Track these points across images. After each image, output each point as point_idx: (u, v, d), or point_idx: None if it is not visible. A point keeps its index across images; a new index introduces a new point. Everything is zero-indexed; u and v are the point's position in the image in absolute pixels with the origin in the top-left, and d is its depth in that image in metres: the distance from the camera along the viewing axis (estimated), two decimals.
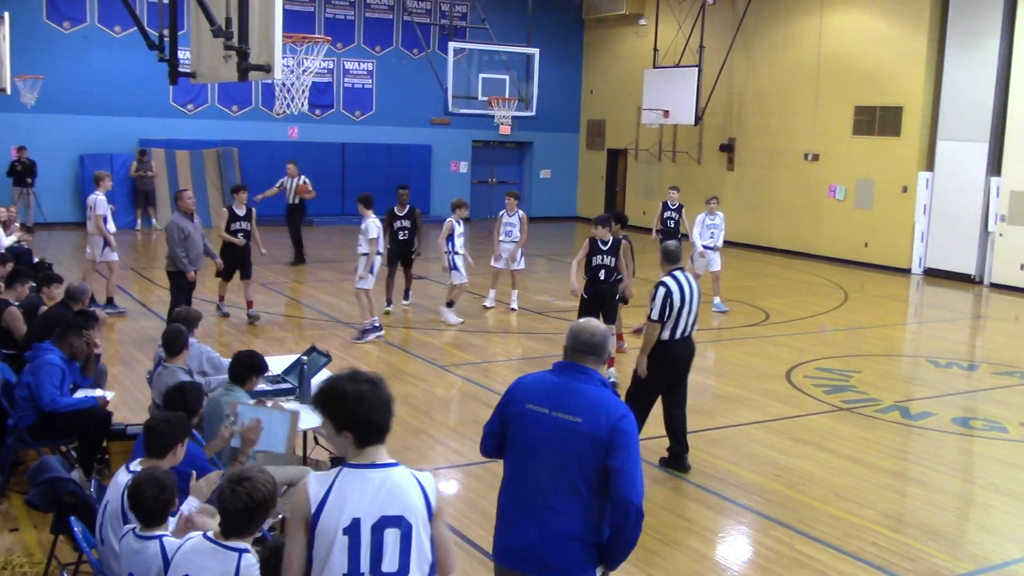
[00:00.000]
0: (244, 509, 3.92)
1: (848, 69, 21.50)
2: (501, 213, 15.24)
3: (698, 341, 10.66)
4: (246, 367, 6.37)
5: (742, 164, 24.60)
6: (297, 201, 18.88)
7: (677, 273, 8.17)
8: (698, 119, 24.00)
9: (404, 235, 14.28)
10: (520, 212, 15.08)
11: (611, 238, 10.88)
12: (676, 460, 8.27)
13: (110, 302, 13.76)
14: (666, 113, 24.35)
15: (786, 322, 14.44)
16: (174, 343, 6.94)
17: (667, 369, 8.06)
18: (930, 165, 20.32)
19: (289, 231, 19.03)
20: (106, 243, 13.63)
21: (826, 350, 12.96)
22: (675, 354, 8.09)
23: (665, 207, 16.74)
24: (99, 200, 13.51)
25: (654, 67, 25.19)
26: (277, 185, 19.06)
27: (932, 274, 20.22)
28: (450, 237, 13.61)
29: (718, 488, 7.83)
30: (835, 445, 9.10)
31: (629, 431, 4.05)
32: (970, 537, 7.18)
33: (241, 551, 3.92)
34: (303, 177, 19.04)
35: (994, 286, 19.07)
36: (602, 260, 10.81)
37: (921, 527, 7.20)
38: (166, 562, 4.13)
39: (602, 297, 10.93)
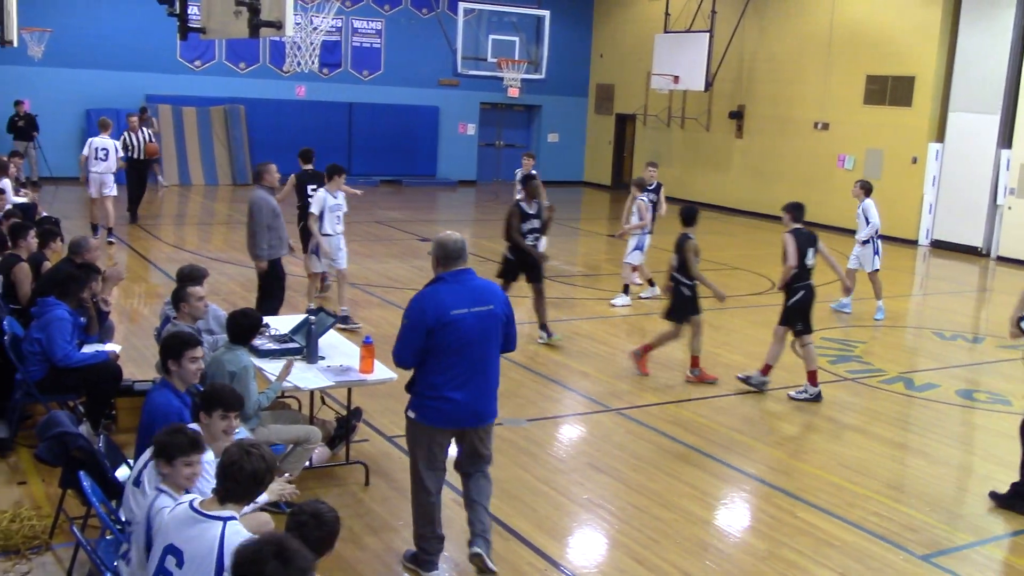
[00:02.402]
0: (258, 473, 3.91)
1: (860, 38, 21.31)
2: (517, 171, 15.48)
3: (705, 309, 10.70)
4: (244, 327, 6.37)
5: (751, 132, 24.46)
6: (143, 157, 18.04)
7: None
8: (708, 85, 23.83)
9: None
10: (534, 171, 15.05)
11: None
12: None
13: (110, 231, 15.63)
14: (676, 79, 24.17)
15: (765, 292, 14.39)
16: (176, 299, 6.93)
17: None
18: (940, 136, 20.19)
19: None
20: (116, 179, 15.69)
21: (831, 320, 12.95)
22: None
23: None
24: (113, 143, 15.74)
25: (665, 32, 24.97)
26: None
27: (939, 246, 20.16)
28: (321, 214, 11.20)
29: (721, 455, 7.86)
30: (839, 415, 9.12)
31: (511, 304, 5.54)
32: (971, 508, 7.21)
33: (226, 519, 3.85)
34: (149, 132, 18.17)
35: (1001, 259, 19.01)
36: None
37: (923, 498, 7.23)
38: (149, 518, 4.10)
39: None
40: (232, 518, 3.87)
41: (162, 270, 13.76)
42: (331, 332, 7.45)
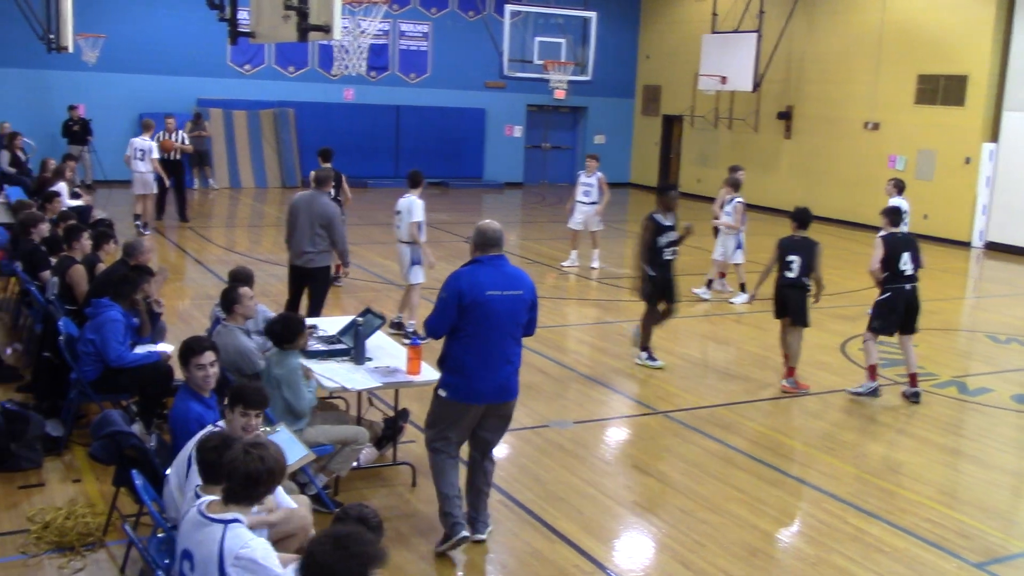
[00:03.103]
0: (253, 474, 3.87)
1: (912, 36, 20.99)
2: (579, 173, 15.68)
3: (750, 312, 10.65)
4: (279, 333, 6.41)
5: (800, 132, 24.20)
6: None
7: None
8: (756, 86, 23.64)
9: None
10: (599, 173, 15.49)
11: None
12: None
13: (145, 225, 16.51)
14: (723, 79, 24.00)
15: (841, 294, 14.23)
16: (226, 303, 7.02)
17: None
18: (994, 136, 19.83)
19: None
20: (155, 176, 16.62)
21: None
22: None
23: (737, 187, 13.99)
24: (150, 144, 16.64)
25: (712, 32, 24.81)
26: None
27: (993, 248, 19.80)
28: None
29: (769, 459, 7.78)
30: (890, 419, 9.00)
31: (536, 291, 5.87)
32: None
33: (227, 522, 3.82)
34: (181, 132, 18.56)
35: None
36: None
37: (976, 504, 7.10)
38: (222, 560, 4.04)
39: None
40: (235, 520, 3.83)
41: (213, 272, 13.94)
42: (378, 334, 7.49)
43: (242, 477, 3.87)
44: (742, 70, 23.50)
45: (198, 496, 4.27)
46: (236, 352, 6.76)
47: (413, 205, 10.52)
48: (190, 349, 5.63)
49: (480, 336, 5.63)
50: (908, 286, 9.33)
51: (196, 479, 4.43)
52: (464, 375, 5.70)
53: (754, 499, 7.02)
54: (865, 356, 9.58)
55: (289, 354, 6.39)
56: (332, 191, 10.12)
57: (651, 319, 10.14)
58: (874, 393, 9.43)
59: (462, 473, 6.07)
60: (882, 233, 9.49)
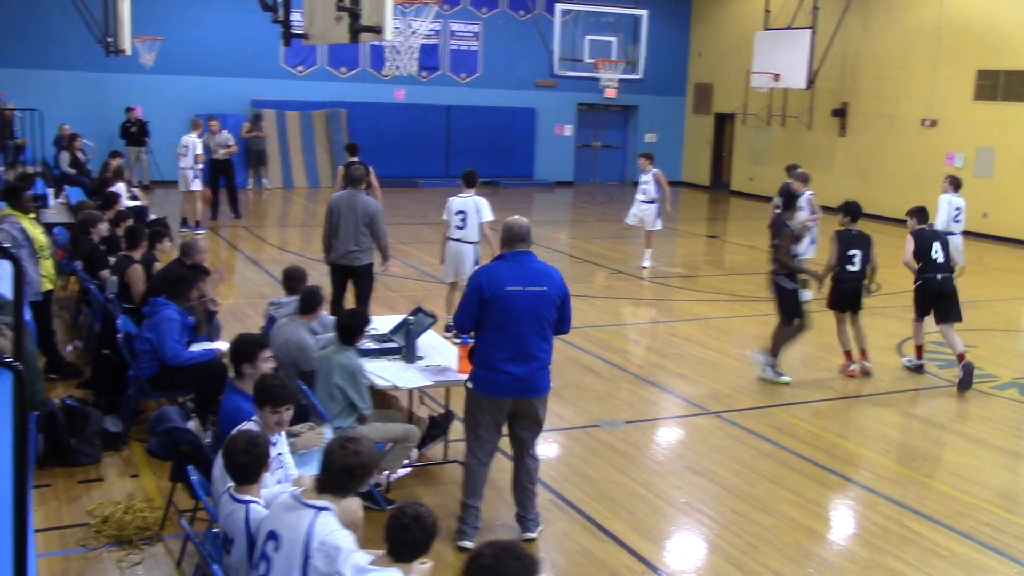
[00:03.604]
0: (348, 467, 4.02)
1: (971, 31, 20.58)
2: (642, 175, 15.52)
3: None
4: (352, 327, 6.48)
5: (855, 130, 23.86)
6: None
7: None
8: (810, 83, 23.35)
9: None
10: (654, 170, 15.23)
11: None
12: None
13: (197, 224, 16.89)
14: (776, 76, 23.74)
15: (898, 293, 13.99)
16: (309, 302, 7.10)
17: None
18: None
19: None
20: (195, 175, 16.80)
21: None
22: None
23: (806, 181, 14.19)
24: (195, 141, 17.00)
25: (765, 29, 24.55)
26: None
27: None
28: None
29: (824, 460, 7.68)
30: (948, 421, 8.83)
31: (567, 289, 5.84)
32: None
33: (319, 508, 3.94)
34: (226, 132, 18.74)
35: None
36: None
37: None
38: (249, 531, 4.19)
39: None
40: (326, 508, 3.96)
41: (266, 270, 14.10)
42: (429, 332, 7.52)
43: (338, 470, 4.03)
44: (795, 67, 23.23)
45: (233, 498, 4.32)
46: (297, 347, 6.81)
47: (481, 204, 10.57)
48: (249, 348, 5.71)
49: (502, 330, 5.68)
50: (939, 276, 9.78)
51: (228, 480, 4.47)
52: (488, 368, 5.77)
53: (808, 501, 6.94)
54: (914, 336, 10.24)
55: (350, 351, 6.43)
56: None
57: (788, 333, 9.71)
58: (918, 369, 10.12)
59: (497, 481, 6.09)
60: (913, 229, 10.03)
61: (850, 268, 9.68)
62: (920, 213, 10.23)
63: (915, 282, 9.99)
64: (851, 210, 9.88)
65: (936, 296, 9.80)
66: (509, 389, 5.78)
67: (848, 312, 9.89)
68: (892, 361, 10.62)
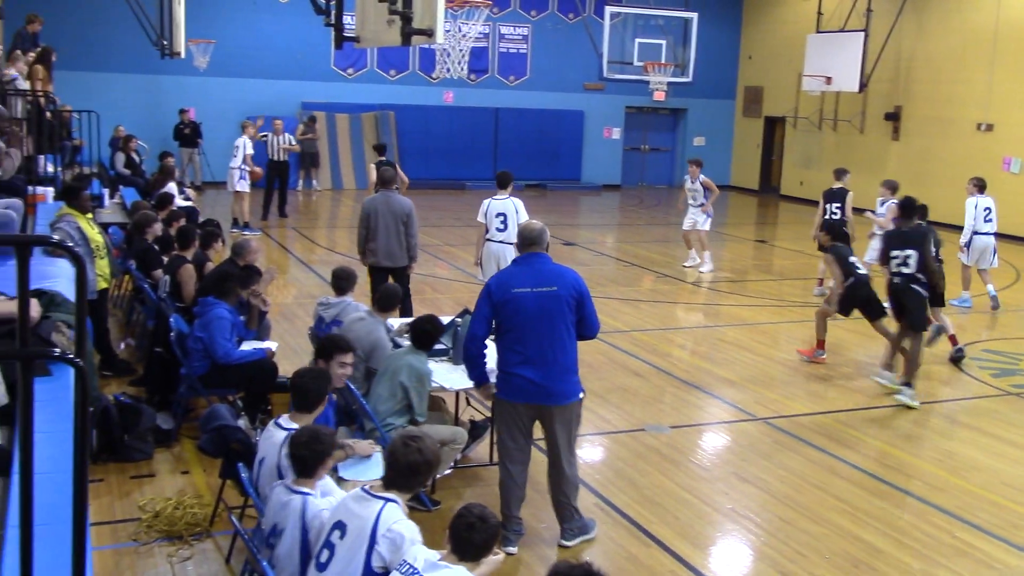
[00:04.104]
0: (412, 464, 4.10)
1: None
2: (686, 178, 15.98)
3: (852, 318, 10.42)
4: (427, 332, 6.52)
5: (908, 133, 23.53)
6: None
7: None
8: (863, 86, 23.09)
9: None
10: (702, 177, 15.55)
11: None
12: None
13: (246, 225, 17.17)
14: (828, 79, 23.50)
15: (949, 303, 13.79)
16: (390, 300, 7.19)
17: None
18: None
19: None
20: (241, 175, 17.10)
21: (994, 331, 12.34)
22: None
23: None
24: (246, 142, 17.36)
25: (817, 32, 24.32)
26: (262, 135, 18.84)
27: None
28: None
29: (873, 469, 7.59)
30: (1001, 431, 8.67)
31: (585, 290, 5.72)
32: None
33: (387, 500, 4.05)
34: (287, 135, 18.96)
35: None
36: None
37: None
38: (304, 523, 4.26)
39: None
40: (393, 500, 4.06)
41: (315, 271, 14.24)
42: None
43: (403, 468, 4.11)
44: (848, 70, 22.98)
45: (290, 489, 4.39)
46: (373, 345, 6.86)
47: (519, 205, 10.79)
48: (338, 346, 5.92)
49: (515, 333, 5.66)
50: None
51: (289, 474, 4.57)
52: (505, 372, 5.76)
53: (857, 509, 6.85)
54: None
55: (422, 355, 6.47)
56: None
57: (918, 344, 9.21)
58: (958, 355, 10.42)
59: (541, 484, 6.10)
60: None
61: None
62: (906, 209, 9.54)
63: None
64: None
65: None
66: (525, 393, 5.73)
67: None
68: (944, 370, 10.46)
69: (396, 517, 3.99)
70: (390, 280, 9.64)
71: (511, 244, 10.58)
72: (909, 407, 8.99)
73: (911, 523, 6.74)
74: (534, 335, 5.62)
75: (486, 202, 10.98)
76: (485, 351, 5.87)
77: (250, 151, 17.31)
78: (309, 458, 4.41)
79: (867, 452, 7.97)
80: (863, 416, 8.93)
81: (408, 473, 4.12)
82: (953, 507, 6.90)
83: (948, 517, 6.74)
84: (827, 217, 13.29)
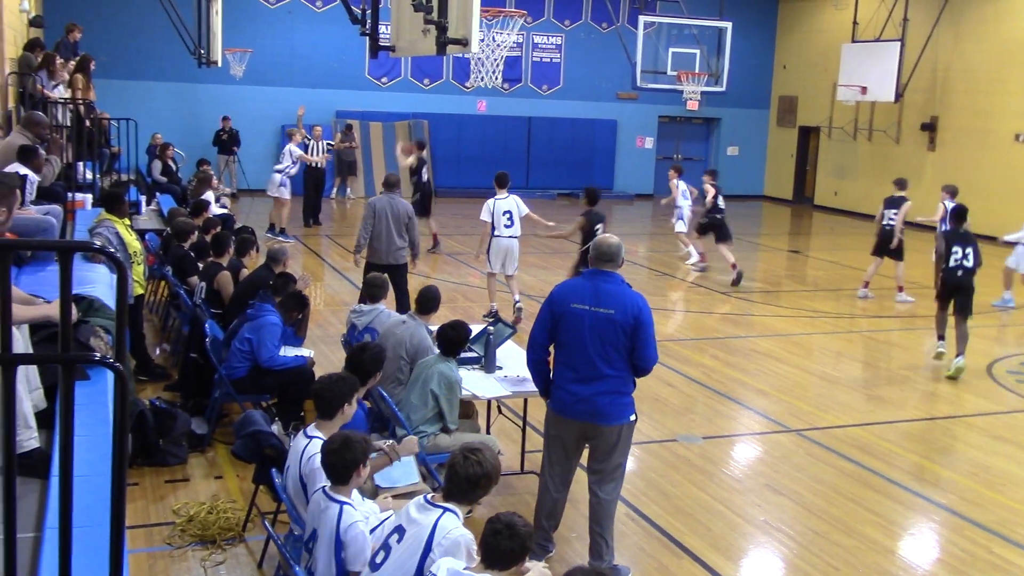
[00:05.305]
0: (472, 477, 4.15)
1: None
2: (702, 186, 16.55)
3: (887, 329, 10.33)
4: (455, 339, 6.53)
5: (945, 144, 23.29)
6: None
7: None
8: (898, 96, 22.89)
9: None
10: (712, 190, 15.91)
11: None
12: None
13: (283, 231, 17.25)
14: (864, 89, 23.33)
15: (989, 313, 13.63)
16: (430, 303, 7.24)
17: None
18: None
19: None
20: (282, 182, 17.24)
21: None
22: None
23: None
24: (293, 150, 17.57)
25: (852, 41, 24.15)
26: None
27: None
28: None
29: (908, 483, 7.51)
30: None
31: (644, 319, 5.49)
32: None
33: (445, 510, 4.11)
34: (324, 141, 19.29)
35: None
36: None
37: None
38: (339, 532, 4.27)
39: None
40: (451, 510, 4.12)
41: (348, 279, 14.31)
42: (509, 343, 7.56)
43: (463, 481, 4.16)
44: (884, 80, 22.80)
45: (328, 496, 4.42)
46: (415, 346, 6.88)
47: (519, 202, 11.79)
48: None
49: (567, 348, 5.59)
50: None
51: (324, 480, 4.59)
52: (558, 386, 5.70)
53: (891, 523, 6.79)
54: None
55: (452, 363, 6.48)
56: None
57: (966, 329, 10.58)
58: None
59: (575, 492, 6.07)
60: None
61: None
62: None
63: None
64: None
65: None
66: (572, 410, 5.63)
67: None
68: (981, 383, 10.33)
69: (454, 525, 4.06)
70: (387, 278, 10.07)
71: (518, 238, 11.77)
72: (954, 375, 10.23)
73: (947, 538, 6.67)
74: (585, 353, 5.52)
75: (491, 202, 11.75)
76: (547, 358, 5.77)
77: (294, 161, 17.49)
78: (339, 465, 4.41)
79: (902, 465, 7.88)
80: (898, 429, 8.84)
81: (467, 486, 4.17)
82: (990, 522, 6.81)
83: (985, 532, 6.66)
84: (884, 224, 14.14)
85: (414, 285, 13.38)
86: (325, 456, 4.46)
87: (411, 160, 16.85)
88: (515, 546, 3.83)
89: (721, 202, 15.64)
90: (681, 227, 16.99)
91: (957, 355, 10.29)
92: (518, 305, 11.88)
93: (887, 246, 14.00)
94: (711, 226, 15.74)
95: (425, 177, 17.05)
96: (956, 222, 10.80)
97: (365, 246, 10.40)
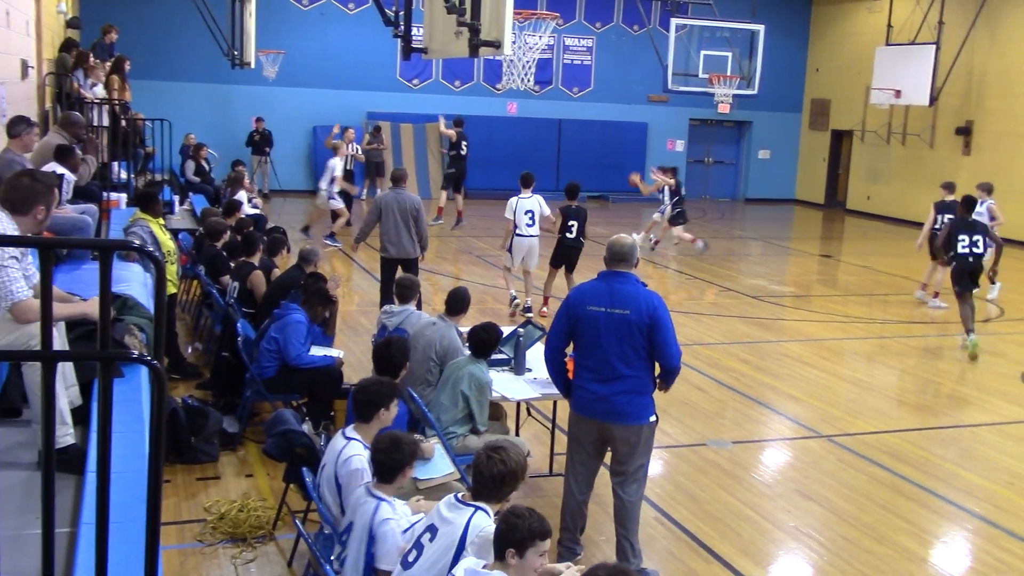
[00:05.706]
0: (497, 475, 4.19)
1: None
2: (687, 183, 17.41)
3: (919, 335, 10.25)
4: (486, 340, 6.55)
5: (980, 148, 23.04)
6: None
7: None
8: (933, 100, 22.66)
9: None
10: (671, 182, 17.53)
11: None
12: None
13: (332, 235, 17.29)
14: (898, 93, 23.12)
15: (1021, 320, 13.48)
16: (459, 304, 7.29)
17: None
18: None
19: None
20: (330, 195, 17.17)
21: None
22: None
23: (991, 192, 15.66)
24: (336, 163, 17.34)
25: (887, 44, 23.95)
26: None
27: None
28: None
29: (941, 490, 7.43)
30: None
31: (660, 318, 5.48)
32: None
33: (477, 508, 4.15)
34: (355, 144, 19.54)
35: None
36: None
37: None
38: (372, 526, 4.33)
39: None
40: (482, 508, 4.17)
41: (378, 280, 14.32)
42: (539, 345, 7.55)
43: (488, 479, 4.21)
44: (918, 83, 22.59)
45: (369, 491, 4.46)
46: (445, 347, 6.91)
47: (542, 202, 12.15)
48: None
49: (587, 349, 5.63)
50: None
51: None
52: (578, 385, 5.76)
53: (923, 531, 6.72)
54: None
55: (483, 364, 6.50)
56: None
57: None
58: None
59: (602, 496, 6.07)
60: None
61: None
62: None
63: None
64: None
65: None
66: (591, 409, 5.68)
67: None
68: (1014, 390, 10.21)
69: (486, 523, 4.11)
70: (400, 272, 10.32)
71: (538, 236, 12.24)
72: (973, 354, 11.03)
73: (981, 547, 6.60)
74: (603, 354, 5.56)
75: (514, 200, 12.10)
76: (564, 359, 5.84)
77: (339, 173, 17.36)
78: (387, 464, 4.49)
79: (934, 472, 7.81)
80: (930, 435, 8.75)
81: (493, 484, 4.22)
82: None
83: (1020, 542, 6.58)
84: (937, 228, 13.95)
85: (443, 286, 13.43)
86: (374, 454, 4.55)
87: (452, 132, 17.67)
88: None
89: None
90: (658, 218, 18.23)
91: (968, 332, 11.15)
92: (517, 302, 12.35)
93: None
94: (682, 213, 17.26)
95: (464, 151, 17.62)
96: (964, 211, 11.54)
97: (364, 239, 11.12)
